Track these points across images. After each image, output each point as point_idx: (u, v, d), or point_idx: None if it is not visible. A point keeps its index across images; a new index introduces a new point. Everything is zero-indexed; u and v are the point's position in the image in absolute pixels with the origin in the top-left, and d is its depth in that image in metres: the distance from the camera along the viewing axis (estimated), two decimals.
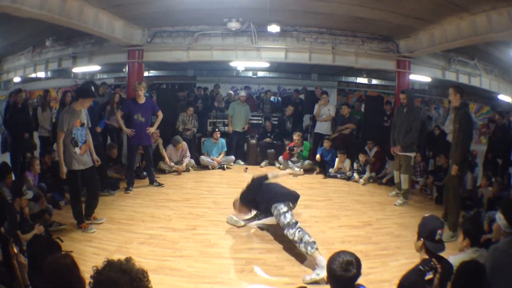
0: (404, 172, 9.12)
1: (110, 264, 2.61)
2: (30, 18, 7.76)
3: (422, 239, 3.86)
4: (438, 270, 3.53)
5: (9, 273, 3.77)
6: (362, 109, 14.30)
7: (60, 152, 6.68)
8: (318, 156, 11.83)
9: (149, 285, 2.66)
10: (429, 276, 3.53)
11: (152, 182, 9.98)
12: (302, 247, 5.74)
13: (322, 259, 5.39)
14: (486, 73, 13.67)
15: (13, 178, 7.24)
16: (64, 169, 6.71)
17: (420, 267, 3.61)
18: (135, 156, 9.82)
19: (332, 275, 3.09)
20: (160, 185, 9.95)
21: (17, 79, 16.31)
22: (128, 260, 2.68)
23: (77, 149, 6.82)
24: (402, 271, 3.95)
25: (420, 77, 13.03)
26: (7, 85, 17.01)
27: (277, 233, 6.99)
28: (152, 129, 9.77)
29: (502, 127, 11.22)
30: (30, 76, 16.03)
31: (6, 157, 9.92)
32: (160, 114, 9.96)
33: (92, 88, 7.26)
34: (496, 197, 7.85)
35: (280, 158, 12.40)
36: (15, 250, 3.82)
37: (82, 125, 6.91)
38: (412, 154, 9.16)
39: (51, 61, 13.58)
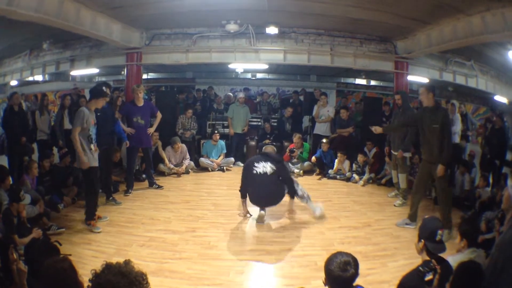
0: (401, 172, 9.18)
1: (108, 267, 2.58)
2: (26, 21, 7.74)
3: (423, 240, 3.86)
4: (438, 271, 3.53)
5: (8, 278, 3.76)
6: None
7: (78, 145, 6.82)
8: (313, 158, 11.87)
9: None
10: (428, 277, 3.54)
11: (151, 184, 9.98)
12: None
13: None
14: (482, 74, 13.72)
15: (11, 181, 7.24)
16: (85, 159, 6.89)
17: (420, 268, 3.63)
18: (135, 158, 9.84)
19: (330, 276, 3.09)
20: (159, 187, 9.95)
21: (13, 83, 16.27)
22: (127, 263, 2.66)
23: (92, 146, 7.07)
24: (401, 272, 3.95)
25: (418, 78, 13.04)
26: (3, 88, 16.98)
27: (277, 234, 7.03)
28: (152, 129, 9.81)
29: (498, 129, 11.22)
30: (27, 79, 15.99)
31: (3, 160, 9.93)
32: (159, 115, 10.00)
33: (105, 88, 7.37)
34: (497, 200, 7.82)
35: None
36: (15, 256, 3.81)
37: (95, 124, 7.15)
38: (408, 154, 9.18)
39: (48, 64, 13.58)
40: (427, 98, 7.33)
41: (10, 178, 7.24)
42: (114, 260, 2.74)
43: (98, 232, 6.92)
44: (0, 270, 3.82)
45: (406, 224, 7.48)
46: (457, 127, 10.42)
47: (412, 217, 7.61)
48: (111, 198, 8.65)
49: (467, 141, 12.74)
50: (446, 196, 7.35)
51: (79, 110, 7.07)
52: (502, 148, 11.20)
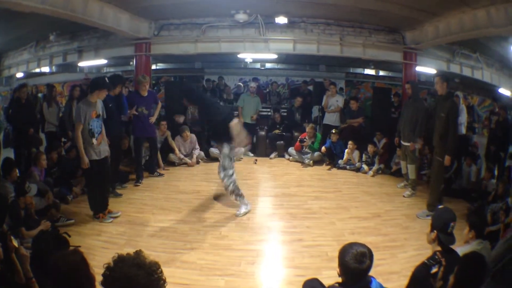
0: (410, 163, 9.12)
1: (122, 260, 2.53)
2: (32, 12, 7.72)
3: (435, 231, 3.86)
4: (443, 264, 3.54)
5: (10, 269, 3.74)
6: None
7: (80, 143, 6.81)
8: (323, 148, 11.84)
9: (163, 277, 2.63)
10: (434, 270, 3.56)
11: (152, 172, 10.15)
12: (232, 197, 7.61)
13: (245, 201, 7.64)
14: (488, 67, 13.68)
15: (18, 173, 7.27)
16: (86, 159, 6.86)
17: (426, 261, 3.67)
18: (142, 148, 9.92)
19: (345, 268, 3.07)
20: (160, 175, 10.18)
21: (19, 75, 16.30)
22: (138, 253, 2.63)
23: (94, 140, 6.98)
24: (411, 262, 3.98)
25: (426, 69, 13.02)
26: (9, 80, 17.00)
27: (288, 224, 7.05)
28: (153, 119, 9.87)
29: (502, 121, 11.15)
30: (33, 71, 16.04)
31: (10, 153, 9.98)
32: (159, 104, 10.28)
33: (106, 79, 7.47)
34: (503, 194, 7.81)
35: (290, 149, 12.41)
36: (15, 244, 3.78)
37: (97, 116, 7.08)
38: (417, 145, 9.15)
39: (55, 55, 13.56)
40: (442, 87, 7.58)
41: (17, 171, 7.28)
42: (125, 251, 2.69)
43: (109, 222, 6.99)
44: (1, 262, 3.77)
45: (427, 216, 7.46)
46: (463, 118, 10.39)
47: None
48: (113, 188, 8.67)
49: (473, 132, 12.71)
50: (437, 179, 7.76)
51: (76, 106, 7.13)
52: (506, 140, 11.14)
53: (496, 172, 10.12)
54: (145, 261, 2.56)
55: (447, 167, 7.71)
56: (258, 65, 19.16)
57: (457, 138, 7.65)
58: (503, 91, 14.50)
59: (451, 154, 7.42)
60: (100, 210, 7.18)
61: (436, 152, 7.72)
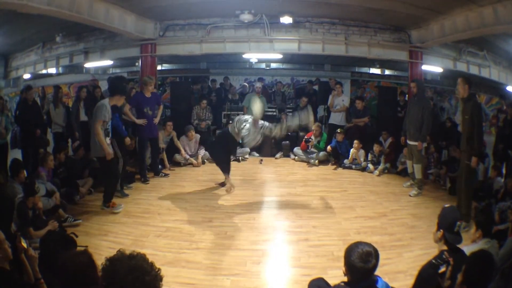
0: (416, 162, 9.09)
1: (120, 259, 2.53)
2: (38, 14, 7.76)
3: (441, 230, 3.85)
4: (451, 263, 3.53)
5: (19, 269, 3.74)
6: None
7: (101, 137, 7.04)
8: (328, 148, 11.85)
9: (160, 274, 2.63)
10: (442, 269, 3.54)
11: (156, 172, 10.20)
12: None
13: None
14: (495, 64, 13.61)
15: (25, 174, 7.29)
16: (110, 150, 7.16)
17: (433, 260, 3.65)
18: (146, 148, 9.98)
19: (351, 267, 3.07)
20: (165, 175, 10.26)
21: (26, 76, 16.35)
22: (132, 256, 2.59)
23: (107, 139, 7.26)
24: (417, 262, 3.96)
25: (432, 67, 12.98)
26: (16, 82, 17.03)
27: (293, 224, 7.05)
28: (157, 120, 10.02)
29: (511, 119, 11.09)
30: (40, 72, 16.07)
31: (18, 154, 10.02)
32: (161, 106, 10.43)
33: (126, 86, 7.59)
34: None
35: (295, 149, 12.43)
36: (24, 244, 3.78)
37: (110, 119, 7.29)
38: (424, 144, 9.09)
39: (62, 56, 13.62)
40: (463, 89, 7.35)
41: (25, 172, 7.30)
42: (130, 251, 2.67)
43: (118, 213, 7.27)
44: (10, 263, 3.77)
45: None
46: None
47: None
48: (121, 188, 8.75)
49: None
50: (468, 188, 7.41)
51: (100, 103, 7.21)
52: None
53: (504, 171, 10.07)
54: (140, 264, 2.53)
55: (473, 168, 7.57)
56: (263, 65, 19.11)
57: (482, 138, 7.53)
58: (511, 89, 14.45)
59: (477, 154, 7.24)
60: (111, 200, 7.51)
61: (464, 156, 7.46)
